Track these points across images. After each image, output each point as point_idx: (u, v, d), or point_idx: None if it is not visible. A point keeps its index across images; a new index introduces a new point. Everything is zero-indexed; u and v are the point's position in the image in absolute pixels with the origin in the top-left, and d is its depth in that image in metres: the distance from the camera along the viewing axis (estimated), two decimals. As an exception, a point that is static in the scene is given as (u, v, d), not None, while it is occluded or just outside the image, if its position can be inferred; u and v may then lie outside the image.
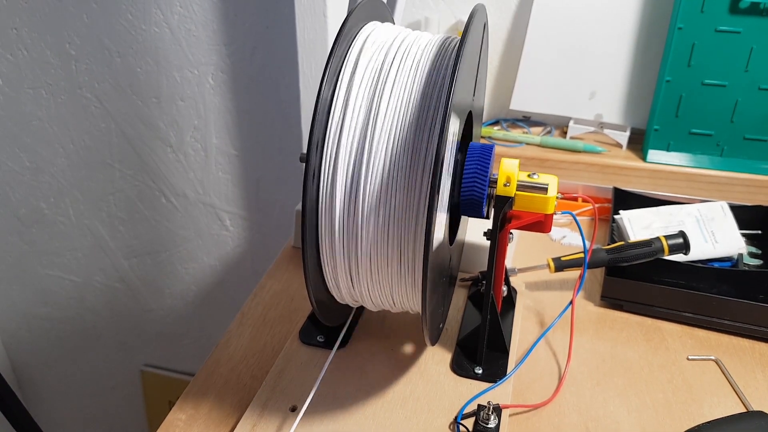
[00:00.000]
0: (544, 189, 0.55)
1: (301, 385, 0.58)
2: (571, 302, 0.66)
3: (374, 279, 0.53)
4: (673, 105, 0.86)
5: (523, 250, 0.79)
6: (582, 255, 0.69)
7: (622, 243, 0.70)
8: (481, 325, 0.59)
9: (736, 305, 0.66)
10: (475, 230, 0.73)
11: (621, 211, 0.78)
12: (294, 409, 0.56)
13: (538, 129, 0.97)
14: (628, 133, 0.92)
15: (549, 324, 0.67)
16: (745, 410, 0.58)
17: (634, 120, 0.93)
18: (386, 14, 0.61)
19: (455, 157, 0.53)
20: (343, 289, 0.55)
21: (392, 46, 0.53)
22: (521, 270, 0.73)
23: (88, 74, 1.11)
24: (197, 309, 1.33)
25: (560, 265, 0.69)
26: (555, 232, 0.83)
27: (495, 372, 0.59)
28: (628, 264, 0.69)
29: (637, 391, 0.60)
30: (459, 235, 0.64)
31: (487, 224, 0.56)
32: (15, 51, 1.12)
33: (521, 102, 0.96)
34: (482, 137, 0.94)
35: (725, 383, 0.62)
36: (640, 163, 0.88)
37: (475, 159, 0.53)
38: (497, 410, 0.54)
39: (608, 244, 0.72)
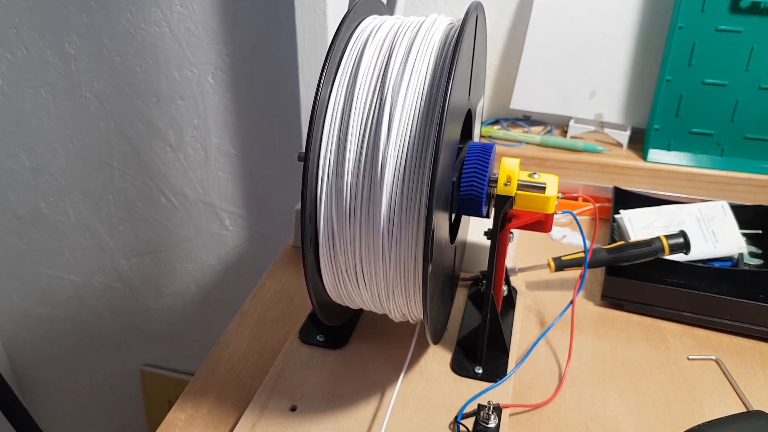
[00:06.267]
0: (544, 188, 0.54)
1: (301, 385, 0.58)
2: (571, 302, 0.66)
3: (374, 279, 0.52)
4: (674, 104, 0.86)
5: (523, 250, 0.79)
6: (582, 254, 0.69)
7: (623, 242, 0.70)
8: (481, 325, 0.59)
9: (737, 305, 0.66)
10: (475, 230, 0.72)
11: (621, 211, 0.78)
12: (294, 409, 0.56)
13: (539, 128, 0.97)
14: (628, 133, 0.92)
15: (549, 323, 0.67)
16: (745, 410, 0.58)
17: (634, 119, 0.92)
18: (385, 13, 0.61)
19: (455, 156, 0.53)
20: (342, 291, 0.55)
21: (393, 42, 0.53)
22: (521, 269, 0.73)
23: (88, 73, 1.11)
24: (197, 308, 1.33)
25: (561, 264, 0.69)
26: (555, 231, 0.83)
27: (495, 372, 0.59)
28: (629, 263, 0.69)
29: (638, 391, 0.60)
30: (459, 235, 0.64)
31: (488, 224, 0.56)
32: (14, 50, 1.12)
33: (521, 101, 0.96)
34: (482, 136, 0.94)
35: (725, 383, 0.61)
36: (640, 163, 0.88)
37: (475, 158, 0.53)
38: (497, 410, 0.54)
39: (609, 244, 0.72)
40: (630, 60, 0.90)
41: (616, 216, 0.78)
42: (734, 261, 0.74)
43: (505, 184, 0.54)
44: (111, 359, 1.45)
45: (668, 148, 0.88)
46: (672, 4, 0.84)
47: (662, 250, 0.69)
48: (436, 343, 0.58)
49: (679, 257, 0.70)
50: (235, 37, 1.02)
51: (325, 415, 0.55)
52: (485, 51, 0.63)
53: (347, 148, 0.50)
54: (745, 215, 0.77)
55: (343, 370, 0.60)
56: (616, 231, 0.78)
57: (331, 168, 0.50)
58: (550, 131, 0.96)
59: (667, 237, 0.69)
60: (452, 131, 0.50)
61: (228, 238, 1.23)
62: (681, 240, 0.69)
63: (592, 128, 0.94)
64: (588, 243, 0.77)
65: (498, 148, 0.89)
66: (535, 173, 0.55)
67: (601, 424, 0.57)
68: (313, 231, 0.51)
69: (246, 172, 1.14)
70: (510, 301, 0.68)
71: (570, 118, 0.94)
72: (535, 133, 0.95)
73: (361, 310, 0.66)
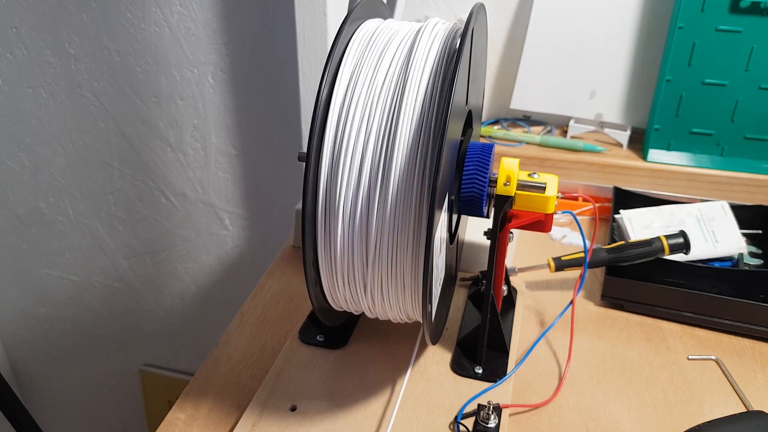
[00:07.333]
0: (544, 188, 0.55)
1: (301, 385, 0.58)
2: (571, 302, 0.66)
3: (373, 278, 0.52)
4: (674, 104, 0.86)
5: (523, 250, 0.79)
6: (582, 254, 0.69)
7: (623, 242, 0.70)
8: (481, 325, 0.59)
9: (737, 305, 0.66)
10: (475, 230, 0.72)
11: (621, 211, 0.78)
12: (294, 409, 0.56)
13: (539, 128, 0.97)
14: (628, 133, 0.92)
15: (549, 323, 0.67)
16: (745, 410, 0.58)
17: (634, 119, 0.92)
18: (386, 13, 0.61)
19: (455, 156, 0.53)
20: (341, 293, 0.55)
21: (393, 43, 0.53)
22: (521, 269, 0.73)
23: (88, 73, 1.11)
24: (197, 308, 1.33)
25: (560, 264, 0.69)
26: (555, 231, 0.83)
27: (495, 371, 0.59)
28: (629, 263, 0.69)
29: (638, 391, 0.60)
30: (459, 235, 0.64)
31: (488, 223, 0.56)
32: (14, 50, 1.12)
33: (521, 101, 0.96)
34: (482, 136, 0.94)
35: (725, 383, 0.61)
36: (640, 163, 0.88)
37: (475, 158, 0.53)
38: (497, 410, 0.54)
39: (609, 244, 0.72)
40: (630, 60, 0.90)
41: (616, 216, 0.78)
42: (734, 261, 0.74)
43: (505, 184, 0.54)
44: (111, 359, 1.45)
45: (668, 148, 0.88)
46: (672, 4, 0.84)
47: (662, 250, 0.69)
48: (434, 343, 0.58)
49: (679, 257, 0.70)
50: (235, 37, 1.02)
51: (325, 415, 0.55)
52: (485, 53, 0.63)
53: (348, 149, 0.50)
54: (745, 215, 0.77)
55: (343, 370, 0.60)
56: (616, 231, 0.78)
57: (331, 168, 0.50)
58: (550, 131, 0.96)
59: (667, 237, 0.69)
60: (453, 132, 0.50)
61: (228, 238, 1.23)
62: (681, 240, 0.69)
63: (592, 128, 0.94)
64: (588, 243, 0.77)
65: (498, 148, 0.89)
66: (534, 173, 0.55)
67: (601, 424, 0.57)
68: (313, 231, 0.51)
69: (246, 172, 1.14)
70: (510, 301, 0.68)
71: (570, 118, 0.94)
72: (535, 133, 0.95)
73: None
